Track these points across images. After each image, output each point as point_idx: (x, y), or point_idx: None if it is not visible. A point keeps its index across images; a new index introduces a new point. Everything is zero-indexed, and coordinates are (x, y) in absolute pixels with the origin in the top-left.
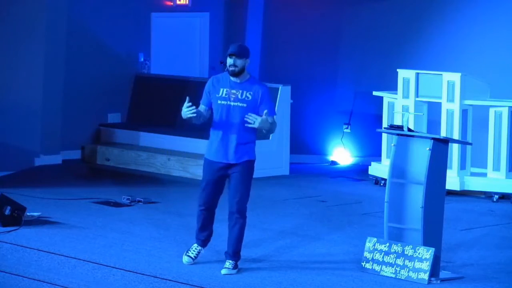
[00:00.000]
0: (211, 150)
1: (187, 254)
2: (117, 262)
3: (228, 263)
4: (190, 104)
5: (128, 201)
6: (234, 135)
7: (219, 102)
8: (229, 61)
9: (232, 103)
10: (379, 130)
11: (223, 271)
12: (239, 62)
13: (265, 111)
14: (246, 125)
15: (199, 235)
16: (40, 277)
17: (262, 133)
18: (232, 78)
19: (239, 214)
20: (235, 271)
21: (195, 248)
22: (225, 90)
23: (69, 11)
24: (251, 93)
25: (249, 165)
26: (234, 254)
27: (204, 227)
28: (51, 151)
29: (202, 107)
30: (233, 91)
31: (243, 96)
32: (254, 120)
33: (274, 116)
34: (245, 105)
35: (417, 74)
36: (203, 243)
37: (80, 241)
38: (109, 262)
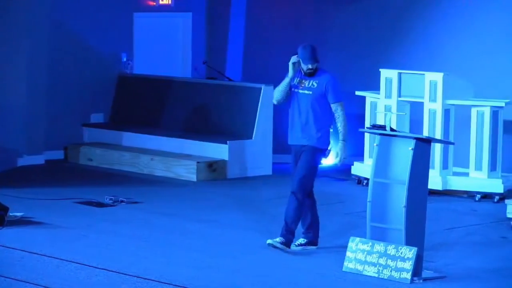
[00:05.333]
0: (289, 135)
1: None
2: (100, 262)
3: (278, 238)
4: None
5: (111, 201)
6: (302, 120)
7: (292, 89)
8: (308, 66)
9: (300, 91)
10: (361, 130)
11: (268, 241)
12: (314, 66)
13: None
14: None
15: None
16: (23, 277)
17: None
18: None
19: (296, 194)
20: (281, 246)
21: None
22: (297, 79)
23: (51, 11)
24: (317, 81)
25: (314, 150)
26: (287, 231)
27: (304, 216)
28: (34, 151)
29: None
30: (303, 80)
31: (309, 85)
32: (339, 159)
33: (341, 102)
34: (310, 92)
35: (400, 74)
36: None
37: (63, 241)
38: (92, 262)
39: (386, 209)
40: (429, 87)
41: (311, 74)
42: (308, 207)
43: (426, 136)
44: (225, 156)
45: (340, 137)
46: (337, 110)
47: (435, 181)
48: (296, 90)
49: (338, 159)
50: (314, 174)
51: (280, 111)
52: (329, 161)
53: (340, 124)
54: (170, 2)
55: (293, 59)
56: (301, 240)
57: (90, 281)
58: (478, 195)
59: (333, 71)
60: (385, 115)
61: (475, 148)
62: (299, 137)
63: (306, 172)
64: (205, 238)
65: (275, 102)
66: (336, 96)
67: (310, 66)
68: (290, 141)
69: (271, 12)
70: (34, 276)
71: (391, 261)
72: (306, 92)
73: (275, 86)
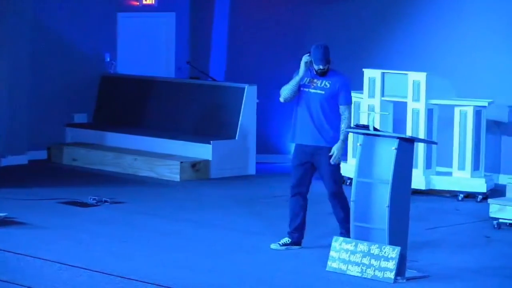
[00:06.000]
0: (296, 134)
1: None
2: (84, 262)
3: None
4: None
5: (95, 201)
6: (315, 120)
7: (301, 88)
8: (319, 66)
9: (312, 90)
10: (347, 130)
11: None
12: (326, 67)
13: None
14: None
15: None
16: (6, 278)
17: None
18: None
19: (336, 194)
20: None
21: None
22: (308, 79)
23: (34, 11)
24: (330, 82)
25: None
26: (347, 232)
27: (295, 216)
28: (17, 151)
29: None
30: (315, 80)
31: (322, 85)
32: (334, 158)
33: (349, 105)
34: (323, 92)
35: (383, 73)
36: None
37: (47, 242)
38: (75, 263)
39: (369, 208)
40: (412, 87)
41: (323, 74)
42: (301, 207)
43: (409, 136)
44: (209, 156)
45: (341, 137)
46: (345, 112)
47: (418, 180)
48: (306, 89)
49: (333, 157)
50: (340, 170)
51: (264, 111)
52: None
53: (344, 125)
54: (153, 2)
55: (305, 58)
56: (286, 240)
57: (74, 281)
58: (461, 195)
59: None
60: (369, 115)
61: (458, 148)
62: (314, 138)
63: (336, 171)
64: (189, 238)
65: (282, 100)
66: (347, 98)
67: (321, 67)
68: (298, 141)
69: (254, 13)
70: (17, 276)
71: (375, 261)
72: (319, 91)
73: (258, 86)
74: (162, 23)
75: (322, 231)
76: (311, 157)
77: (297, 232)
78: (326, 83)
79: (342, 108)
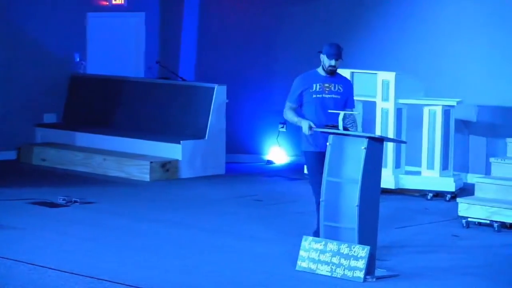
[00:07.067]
0: (311, 142)
1: None
2: (53, 262)
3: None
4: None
5: (64, 201)
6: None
7: (314, 96)
8: (331, 62)
9: (327, 96)
10: (315, 129)
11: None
12: (339, 63)
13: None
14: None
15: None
16: None
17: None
18: (326, 74)
19: None
20: None
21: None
22: (318, 84)
23: (3, 11)
24: (342, 86)
25: None
26: None
27: None
28: None
29: (293, 106)
30: (326, 84)
31: (336, 89)
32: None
33: (353, 109)
34: (338, 96)
35: (352, 73)
36: None
37: (16, 242)
38: (45, 263)
39: (339, 208)
40: (382, 87)
41: (332, 73)
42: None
43: (379, 135)
44: (178, 156)
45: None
46: (354, 115)
47: (387, 180)
48: (319, 95)
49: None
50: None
51: (233, 111)
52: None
53: (355, 128)
54: (123, 2)
55: (305, 125)
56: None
57: (43, 281)
58: (430, 194)
59: (285, 71)
60: (338, 114)
61: (427, 147)
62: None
63: None
64: (158, 238)
65: (284, 116)
66: (354, 101)
67: (333, 63)
68: (318, 148)
69: (224, 13)
70: None
71: (344, 260)
72: (334, 96)
73: (228, 86)
74: (131, 23)
75: (293, 230)
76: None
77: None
78: (339, 87)
79: (350, 111)
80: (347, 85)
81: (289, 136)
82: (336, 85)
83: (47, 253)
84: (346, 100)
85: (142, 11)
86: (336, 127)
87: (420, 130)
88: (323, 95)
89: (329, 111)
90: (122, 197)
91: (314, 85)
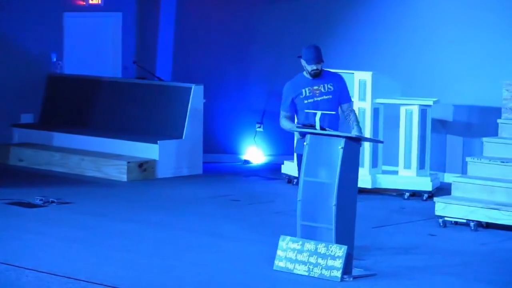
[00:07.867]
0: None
1: None
2: (30, 263)
3: None
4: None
5: (41, 201)
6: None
7: (305, 101)
8: (312, 67)
9: (318, 98)
10: (293, 130)
11: None
12: (320, 67)
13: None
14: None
15: None
16: None
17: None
18: (311, 77)
19: None
20: None
21: None
22: (307, 89)
23: None
24: (332, 84)
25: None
26: None
27: None
28: None
29: (287, 114)
30: (315, 87)
31: (326, 89)
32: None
33: (351, 103)
34: (330, 96)
35: None
36: None
37: None
38: (22, 263)
39: (316, 207)
40: (359, 86)
41: (317, 75)
42: None
43: (356, 135)
44: (156, 156)
45: (356, 128)
46: (351, 107)
47: (364, 179)
48: (311, 100)
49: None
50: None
51: (210, 111)
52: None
53: (354, 117)
54: (100, 2)
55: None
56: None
57: (20, 282)
58: (407, 193)
59: (262, 71)
60: (315, 114)
61: (404, 147)
62: None
63: None
64: (136, 238)
65: (281, 125)
66: (349, 95)
67: (315, 67)
68: None
69: (201, 12)
70: None
71: (322, 260)
72: (326, 97)
73: (205, 86)
74: (108, 23)
75: (270, 230)
76: None
77: None
78: (329, 87)
79: (347, 106)
80: (337, 81)
81: (266, 136)
82: (325, 85)
83: (25, 254)
84: (339, 96)
85: (119, 11)
86: (313, 126)
87: (397, 129)
88: (315, 99)
89: (307, 110)
90: (99, 197)
91: (303, 91)
